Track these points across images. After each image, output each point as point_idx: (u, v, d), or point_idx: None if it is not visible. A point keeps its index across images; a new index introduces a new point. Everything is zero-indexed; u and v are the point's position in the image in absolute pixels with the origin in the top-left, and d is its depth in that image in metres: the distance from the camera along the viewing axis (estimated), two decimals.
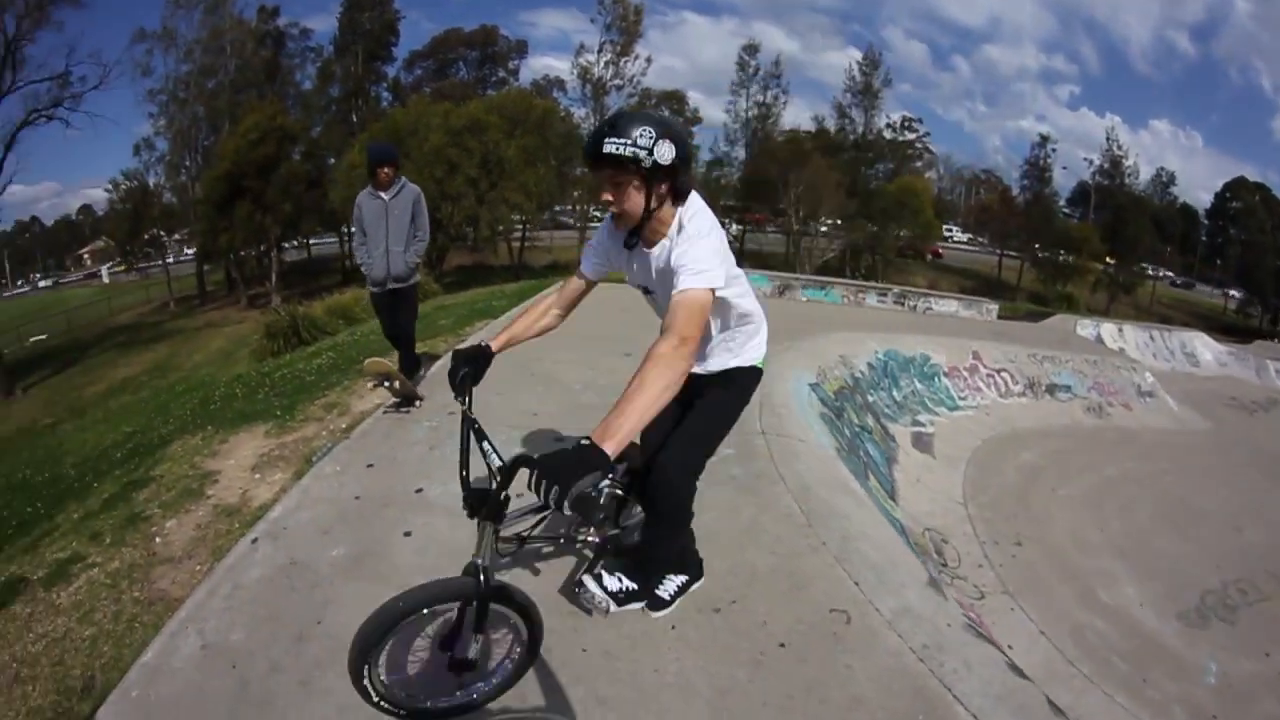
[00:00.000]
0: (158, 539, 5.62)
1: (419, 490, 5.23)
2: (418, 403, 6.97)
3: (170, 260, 58.23)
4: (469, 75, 64.15)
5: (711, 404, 3.43)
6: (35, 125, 36.53)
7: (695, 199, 3.04)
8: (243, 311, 42.81)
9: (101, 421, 20.16)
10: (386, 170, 6.68)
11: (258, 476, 6.25)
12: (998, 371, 13.67)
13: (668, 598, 3.68)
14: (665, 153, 2.76)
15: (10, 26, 33.14)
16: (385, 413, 7.03)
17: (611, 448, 2.26)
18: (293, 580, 4.40)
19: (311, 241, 60.26)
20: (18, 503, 9.01)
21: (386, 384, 6.78)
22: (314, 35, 58.39)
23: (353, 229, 7.34)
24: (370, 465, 5.79)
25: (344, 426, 7.01)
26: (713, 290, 2.80)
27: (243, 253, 49.03)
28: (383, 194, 6.71)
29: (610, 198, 2.89)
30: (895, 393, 10.90)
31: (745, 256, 51.15)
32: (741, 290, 3.29)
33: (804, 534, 4.57)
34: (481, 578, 2.83)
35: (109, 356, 38.23)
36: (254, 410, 8.00)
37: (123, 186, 53.64)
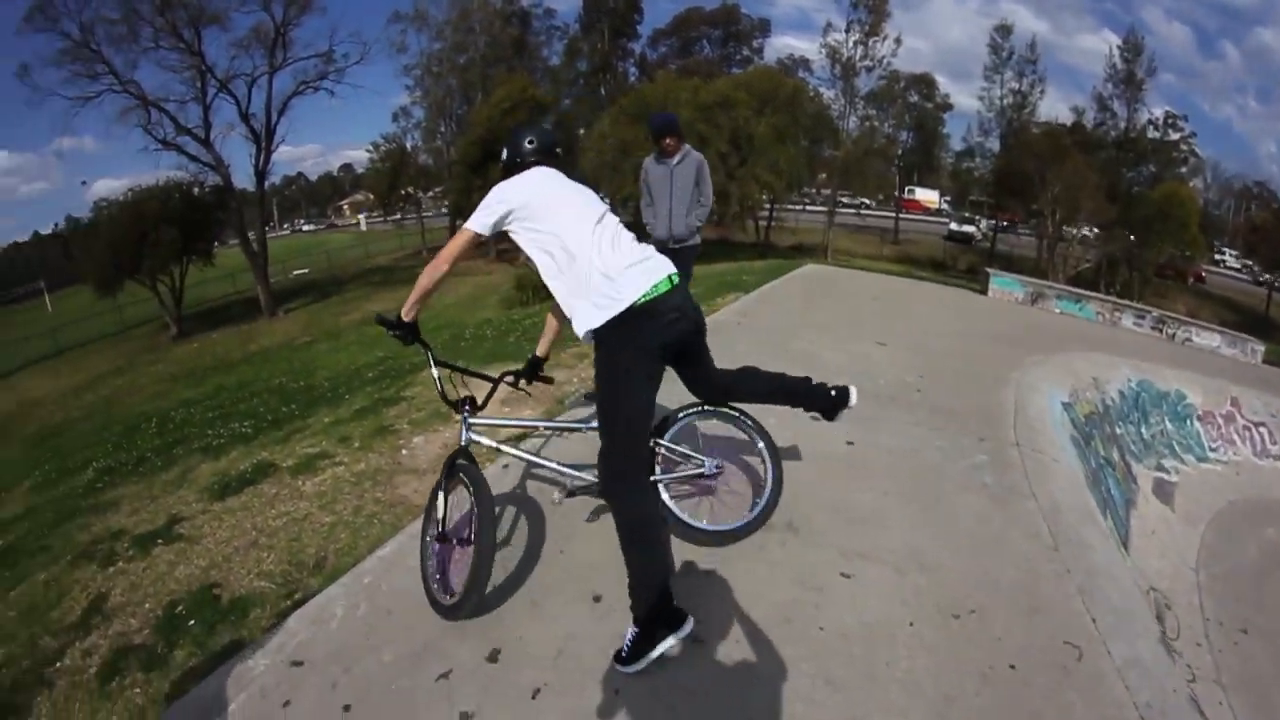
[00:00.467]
0: (404, 450, 5.98)
1: None
2: None
3: (426, 215, 63.52)
4: (713, 53, 64.13)
5: (598, 396, 3.35)
6: (303, 95, 41.23)
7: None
8: (490, 263, 45.32)
9: (354, 344, 22.21)
10: (669, 140, 6.97)
11: (506, 410, 6.40)
12: (1256, 425, 11.67)
13: (624, 654, 3.17)
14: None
15: (279, 14, 37.84)
16: None
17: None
18: (543, 498, 4.60)
19: None
20: (274, 402, 9.97)
21: None
22: (557, 15, 61.41)
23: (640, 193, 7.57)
24: None
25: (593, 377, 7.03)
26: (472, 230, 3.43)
27: None
28: (669, 160, 6.97)
29: None
30: (1144, 429, 9.67)
31: (994, 258, 47.98)
32: (538, 235, 3.43)
33: (1050, 557, 4.13)
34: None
35: (363, 292, 41.84)
36: (504, 350, 8.31)
37: (382, 148, 59.16)
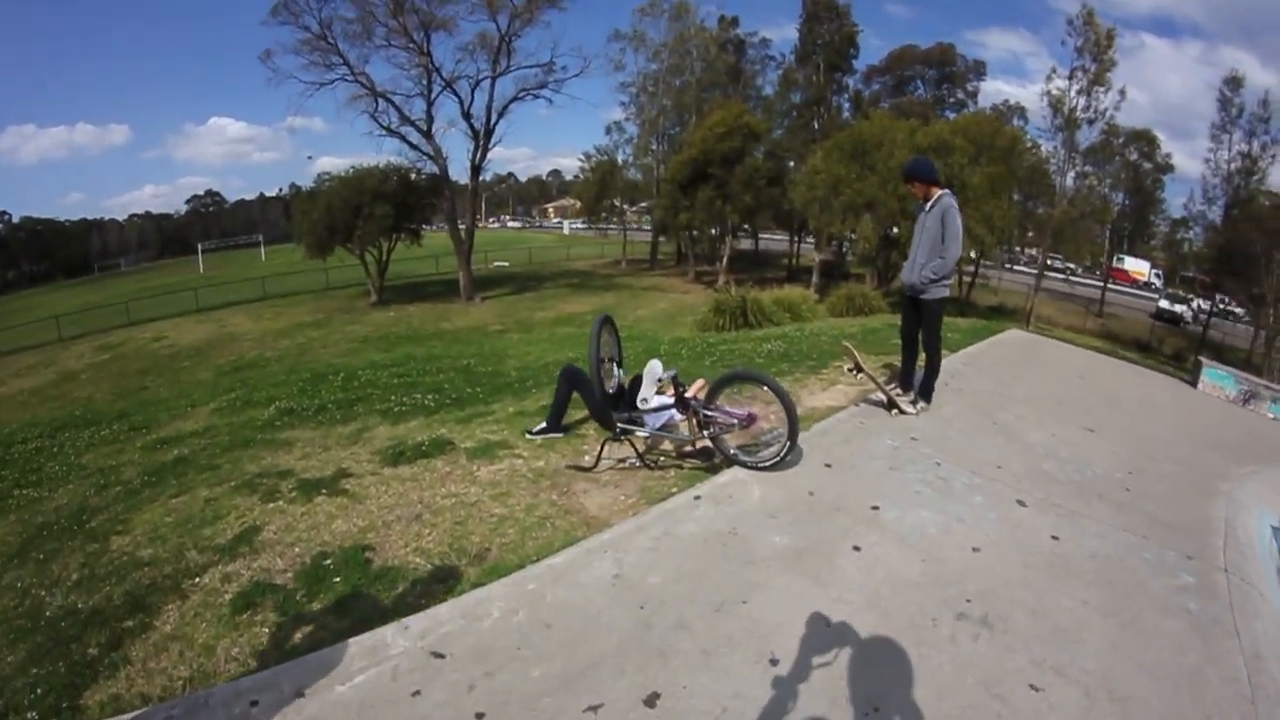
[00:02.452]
0: (586, 457, 5.71)
1: (875, 507, 5.00)
2: (894, 412, 7.03)
3: (629, 227, 65.46)
4: (926, 94, 62.34)
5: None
6: (522, 101, 44.07)
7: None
8: (688, 283, 46.29)
9: (545, 340, 22.95)
10: (911, 186, 7.01)
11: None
12: None
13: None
14: None
15: (504, 24, 40.81)
16: (849, 414, 6.95)
17: None
18: (728, 549, 4.35)
19: (762, 235, 63.04)
20: (459, 381, 10.13)
21: (857, 372, 7.14)
22: (772, 44, 62.21)
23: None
24: (828, 465, 5.59)
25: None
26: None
27: (697, 232, 52.63)
28: (923, 207, 6.89)
29: None
30: None
31: (1205, 345, 43.19)
32: None
33: (1244, 711, 3.53)
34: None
35: (560, 292, 43.65)
36: (699, 372, 8.00)
37: (593, 159, 63.42)
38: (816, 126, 55.41)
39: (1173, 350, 44.85)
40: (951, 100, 60.73)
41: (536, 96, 42.84)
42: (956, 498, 5.13)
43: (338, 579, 4.20)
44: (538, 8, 40.03)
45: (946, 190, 6.80)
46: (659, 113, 56.51)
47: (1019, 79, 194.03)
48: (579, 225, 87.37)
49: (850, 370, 7.31)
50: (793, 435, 5.15)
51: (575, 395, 6.25)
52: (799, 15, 55.70)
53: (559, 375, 6.32)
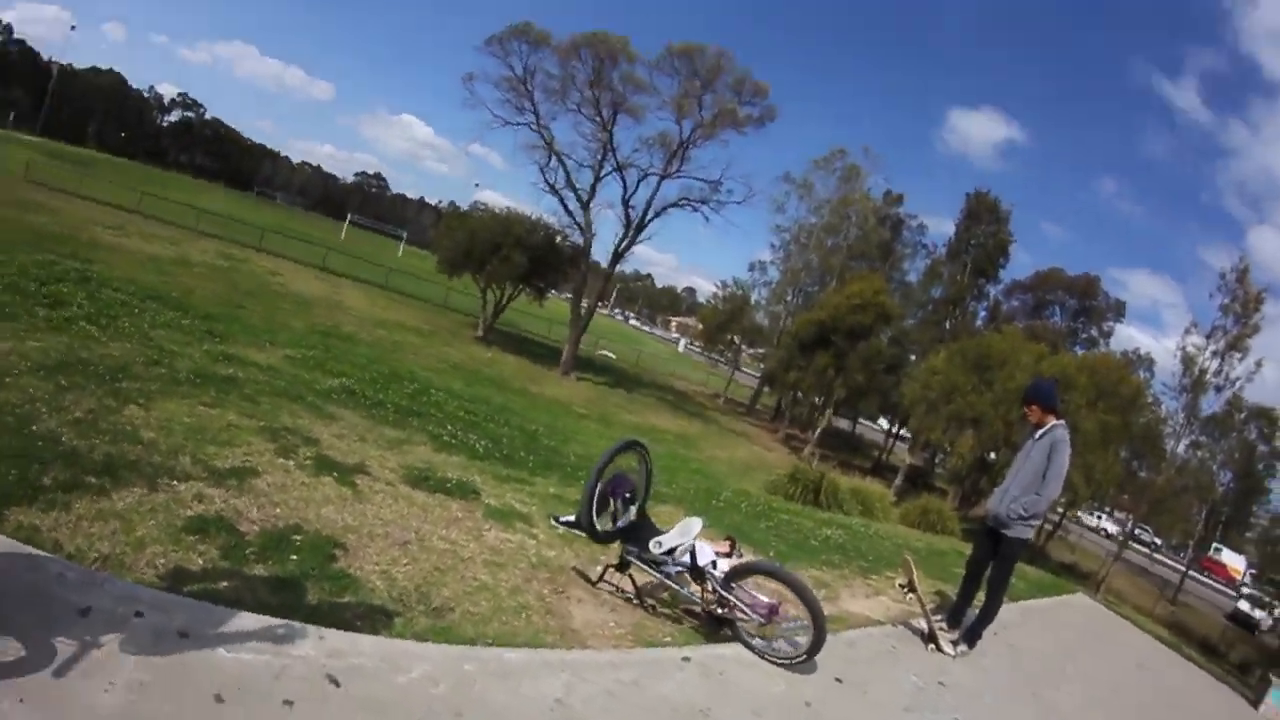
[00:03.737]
0: (598, 566, 5.45)
1: None
2: (931, 647, 6.34)
3: (741, 369, 65.69)
4: (1062, 322, 60.74)
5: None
6: (681, 209, 45.42)
7: None
8: (774, 441, 45.87)
9: (575, 442, 22.64)
10: (1028, 409, 6.43)
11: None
12: None
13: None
14: None
15: (686, 129, 42.57)
16: (883, 633, 6.38)
17: None
18: None
19: (861, 420, 62.36)
20: (518, 442, 10.56)
21: (908, 591, 6.54)
22: (927, 232, 62.91)
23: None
24: (838, 680, 5.01)
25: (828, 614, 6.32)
26: None
27: (801, 394, 52.24)
28: (1034, 432, 6.34)
29: None
30: None
31: (1276, 660, 39.16)
32: None
33: None
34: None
35: (651, 403, 43.49)
36: (750, 534, 7.78)
37: (729, 289, 63.75)
38: (948, 326, 54.87)
39: (1239, 659, 40.88)
40: (1084, 335, 59.06)
41: (696, 209, 43.89)
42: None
43: (294, 557, 4.04)
44: (720, 125, 41.61)
45: (1062, 422, 6.28)
46: (804, 266, 57.27)
47: (1154, 329, 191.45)
48: (694, 347, 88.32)
49: (901, 586, 6.78)
50: (813, 649, 4.67)
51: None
52: (959, 212, 56.19)
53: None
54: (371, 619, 3.72)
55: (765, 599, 4.85)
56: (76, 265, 11.75)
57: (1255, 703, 11.07)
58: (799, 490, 16.89)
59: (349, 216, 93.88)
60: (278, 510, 4.51)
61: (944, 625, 6.57)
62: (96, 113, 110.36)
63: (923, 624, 6.46)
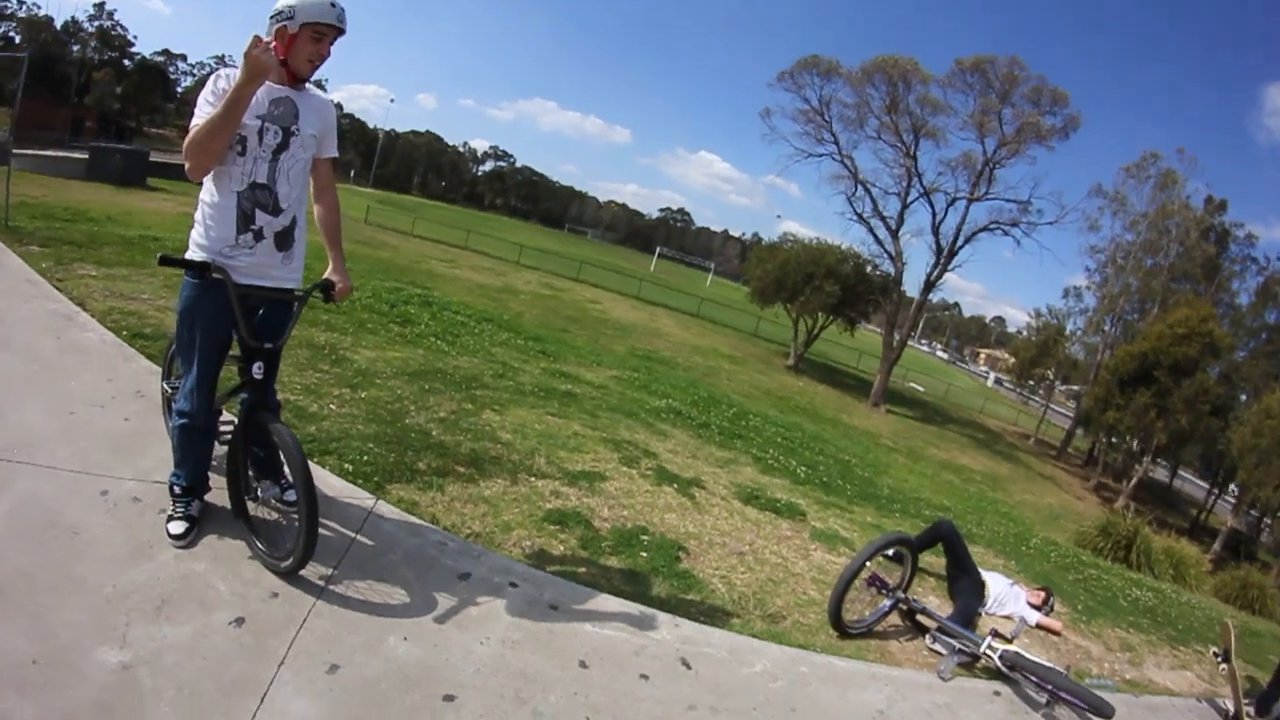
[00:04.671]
0: (917, 598, 5.39)
1: None
2: None
3: (1053, 406, 61.57)
4: None
5: None
6: (991, 232, 42.70)
7: None
8: (1085, 489, 42.08)
9: (927, 476, 22.46)
10: None
11: (1025, 640, 5.56)
12: None
13: None
14: None
15: (990, 148, 40.38)
16: (1187, 705, 5.65)
17: None
18: None
19: (1182, 471, 55.11)
20: (834, 471, 10.46)
21: (1222, 662, 5.83)
22: (1257, 244, 51.90)
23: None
24: None
25: (1127, 677, 5.85)
26: None
27: (1115, 439, 47.28)
28: None
29: None
30: None
31: None
32: None
33: None
34: None
35: (959, 441, 41.29)
36: (1059, 585, 7.41)
37: (1042, 318, 59.17)
38: None
39: None
40: None
41: (1006, 232, 42.06)
42: None
43: (644, 554, 4.47)
44: (1025, 141, 39.68)
45: None
46: (1122, 290, 51.06)
47: None
48: (1005, 381, 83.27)
49: (1216, 655, 6.07)
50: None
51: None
52: None
53: (935, 523, 5.96)
54: (714, 616, 4.03)
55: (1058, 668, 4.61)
56: (419, 291, 13.49)
57: None
58: (1109, 545, 15.57)
59: (657, 249, 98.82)
60: (625, 512, 4.98)
61: (1251, 711, 5.86)
62: (419, 167, 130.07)
63: (1229, 704, 5.66)
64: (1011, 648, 4.67)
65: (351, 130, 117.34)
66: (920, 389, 55.15)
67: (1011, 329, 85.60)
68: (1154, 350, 40.02)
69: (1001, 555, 8.09)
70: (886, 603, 4.77)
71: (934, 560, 5.79)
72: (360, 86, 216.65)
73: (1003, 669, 4.55)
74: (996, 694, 4.40)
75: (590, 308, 35.16)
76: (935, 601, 5.42)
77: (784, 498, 6.71)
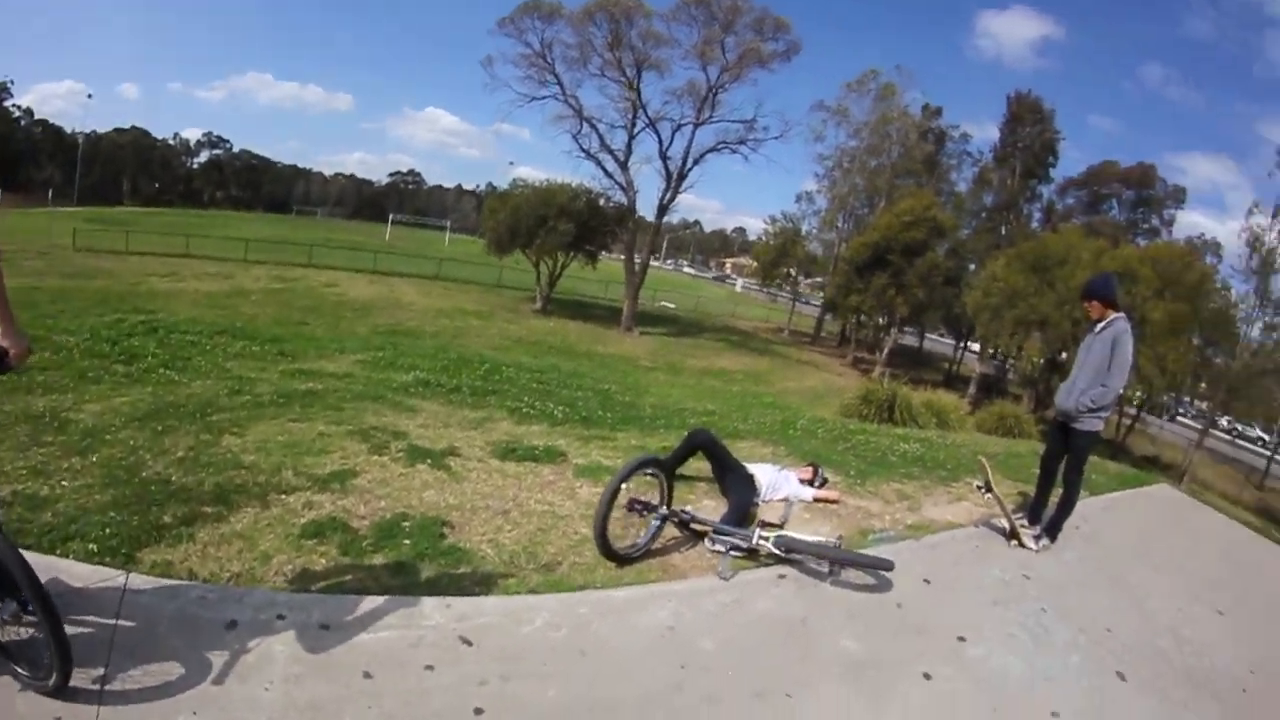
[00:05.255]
0: (691, 507, 5.58)
1: (961, 638, 4.56)
2: (1013, 543, 6.40)
3: (800, 299, 66.03)
4: (1120, 216, 58.28)
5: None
6: (719, 153, 45.86)
7: None
8: (844, 366, 46.51)
9: (689, 386, 23.22)
10: (1088, 305, 6.46)
11: (806, 517, 6.00)
12: None
13: None
14: None
15: (713, 75, 42.89)
16: (967, 534, 6.49)
17: None
18: (792, 637, 4.20)
19: (927, 335, 61.73)
20: (594, 403, 10.65)
21: (985, 491, 6.73)
22: (972, 141, 61.26)
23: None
24: (926, 581, 5.25)
25: (909, 523, 6.50)
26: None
27: (864, 317, 52.85)
28: (1093, 328, 6.39)
29: None
30: None
31: None
32: None
33: None
34: None
35: (716, 346, 44.09)
36: (829, 457, 8.00)
37: (778, 223, 63.08)
38: (1004, 232, 53.85)
39: None
40: (1145, 226, 56.76)
41: (734, 151, 44.66)
42: (1052, 652, 4.68)
43: (407, 541, 4.37)
44: (746, 66, 42.05)
45: (1122, 314, 6.30)
46: (850, 190, 56.55)
47: (1218, 212, 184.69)
48: (751, 285, 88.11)
49: (979, 488, 6.97)
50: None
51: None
52: (1002, 115, 55.02)
53: (690, 433, 6.19)
54: (488, 583, 4.04)
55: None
56: (141, 318, 12.41)
57: None
58: (873, 410, 17.00)
59: (390, 217, 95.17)
60: (383, 503, 4.85)
61: (1025, 522, 6.65)
62: (127, 169, 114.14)
63: (1004, 523, 6.54)
64: (785, 533, 4.94)
65: (45, 140, 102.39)
66: (671, 306, 57.40)
67: (752, 237, 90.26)
68: (885, 238, 44.87)
69: (770, 443, 8.58)
70: (655, 521, 4.88)
71: (704, 466, 6.03)
72: (53, 85, 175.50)
73: (779, 554, 4.81)
74: (781, 577, 4.73)
75: (327, 293, 33.80)
76: (712, 504, 5.66)
77: (542, 443, 6.78)
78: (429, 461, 5.70)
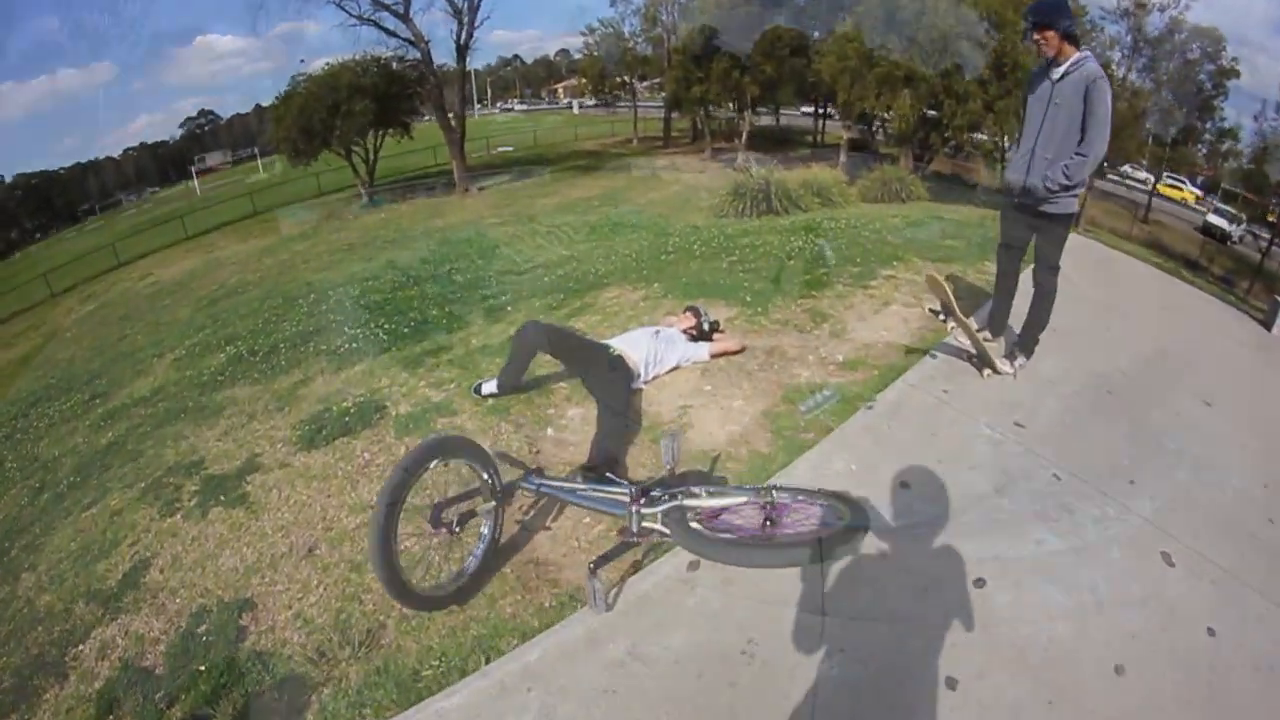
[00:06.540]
0: (550, 429, 4.61)
1: (980, 582, 3.42)
2: (986, 373, 5.17)
3: (641, 104, 63.70)
4: None
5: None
6: None
7: None
8: (704, 162, 44.66)
9: (543, 234, 21.83)
10: (1040, 37, 4.69)
11: (708, 389, 4.89)
12: None
13: None
14: None
15: None
16: (922, 375, 5.18)
17: None
18: None
19: (783, 110, 61.20)
20: (431, 294, 9.80)
21: (944, 317, 5.14)
22: None
23: None
24: (905, 485, 4.02)
25: (840, 359, 5.25)
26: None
27: (713, 107, 50.77)
28: (1051, 72, 4.69)
29: None
30: None
31: (1261, 274, 40.35)
32: None
33: None
34: None
35: (565, 176, 42.10)
36: (716, 281, 6.81)
37: (597, 33, 59.24)
38: None
39: (1222, 271, 41.97)
40: None
41: None
42: (1089, 550, 3.55)
43: (203, 667, 3.28)
44: None
45: (1089, 53, 4.79)
46: None
47: None
48: (589, 104, 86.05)
49: (934, 312, 5.30)
50: None
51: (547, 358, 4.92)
52: None
53: (514, 336, 4.94)
54: (297, 699, 2.99)
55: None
56: None
57: (1268, 324, 10.47)
58: (748, 204, 16.10)
59: (192, 168, 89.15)
60: (177, 601, 3.77)
61: (989, 339, 5.38)
62: None
63: (963, 339, 5.22)
64: (679, 500, 3.25)
65: None
66: (510, 149, 54.72)
67: (578, 55, 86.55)
68: (717, 20, 42.49)
69: (642, 282, 7.46)
70: (484, 530, 3.52)
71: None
72: None
73: (667, 531, 3.23)
74: (695, 567, 3.45)
75: (141, 288, 30.46)
76: (580, 413, 4.66)
77: (355, 399, 5.48)
78: (222, 499, 4.51)
